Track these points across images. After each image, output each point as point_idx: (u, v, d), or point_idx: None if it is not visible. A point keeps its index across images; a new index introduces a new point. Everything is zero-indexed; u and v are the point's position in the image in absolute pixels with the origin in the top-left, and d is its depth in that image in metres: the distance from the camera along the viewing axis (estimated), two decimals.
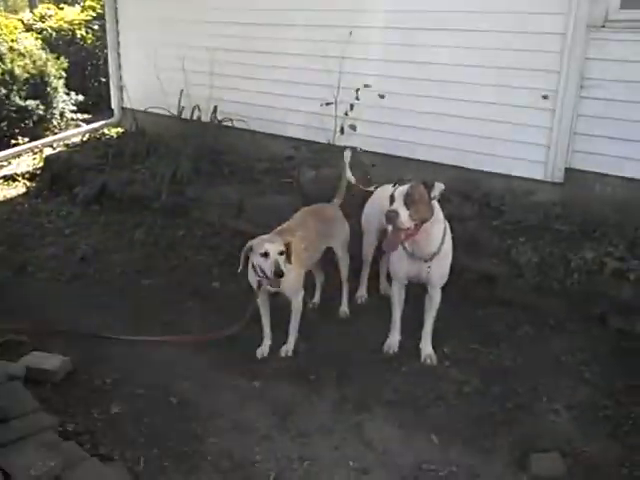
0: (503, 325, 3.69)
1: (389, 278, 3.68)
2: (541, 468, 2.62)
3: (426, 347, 3.43)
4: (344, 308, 3.91)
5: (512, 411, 2.99)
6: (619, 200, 4.22)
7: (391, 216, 2.99)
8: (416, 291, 3.50)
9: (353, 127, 4.85)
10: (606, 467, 2.64)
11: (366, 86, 4.74)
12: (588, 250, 3.79)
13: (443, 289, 3.41)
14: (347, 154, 4.05)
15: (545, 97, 4.35)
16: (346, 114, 4.86)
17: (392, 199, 3.06)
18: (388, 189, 3.86)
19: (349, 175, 4.04)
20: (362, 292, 4.08)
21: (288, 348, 3.49)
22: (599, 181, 4.32)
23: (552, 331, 3.62)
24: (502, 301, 3.85)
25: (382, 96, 4.82)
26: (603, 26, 4.11)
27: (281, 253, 3.15)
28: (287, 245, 3.25)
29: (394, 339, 3.52)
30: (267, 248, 3.13)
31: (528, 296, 3.78)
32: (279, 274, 3.09)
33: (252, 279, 3.44)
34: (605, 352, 3.40)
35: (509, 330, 3.65)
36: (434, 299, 3.41)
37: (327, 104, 4.94)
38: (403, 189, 3.04)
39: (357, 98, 4.79)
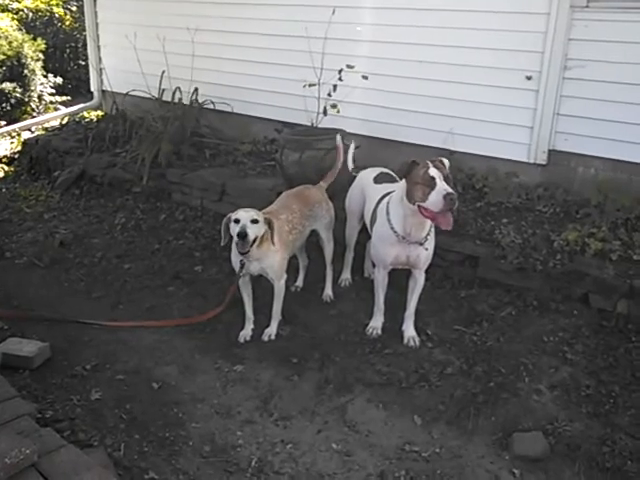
0: (486, 306, 3.68)
1: (373, 262, 3.64)
2: (523, 448, 2.62)
3: (409, 329, 3.42)
4: (328, 291, 3.88)
5: (495, 391, 3.00)
6: (602, 181, 4.22)
7: (453, 198, 2.88)
8: (397, 273, 3.48)
9: (336, 108, 4.78)
10: (588, 446, 2.65)
11: (349, 67, 4.67)
12: (571, 231, 3.80)
13: (426, 271, 3.40)
14: (352, 146, 4.04)
15: (529, 78, 4.33)
16: (329, 95, 4.80)
17: (432, 180, 2.93)
18: (371, 172, 3.87)
19: (349, 163, 4.01)
20: (346, 275, 4.05)
21: (271, 332, 3.47)
22: (582, 163, 4.32)
23: (535, 311, 3.61)
24: (485, 282, 3.84)
25: (365, 77, 4.76)
26: (587, 6, 4.09)
27: (254, 221, 3.17)
28: (269, 222, 3.24)
29: (377, 322, 3.50)
30: (239, 215, 3.19)
31: (511, 277, 3.77)
32: (242, 235, 3.12)
33: (235, 261, 3.41)
34: (587, 332, 3.41)
35: (492, 311, 3.64)
36: (419, 282, 3.39)
37: (310, 85, 4.87)
38: (435, 170, 2.96)
39: (340, 79, 4.72)
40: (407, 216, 3.13)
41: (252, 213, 3.21)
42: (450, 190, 2.91)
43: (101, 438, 2.69)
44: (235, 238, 3.19)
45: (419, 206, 3.01)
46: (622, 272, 3.51)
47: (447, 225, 3.00)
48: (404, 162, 3.08)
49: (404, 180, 3.10)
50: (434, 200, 2.92)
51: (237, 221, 3.18)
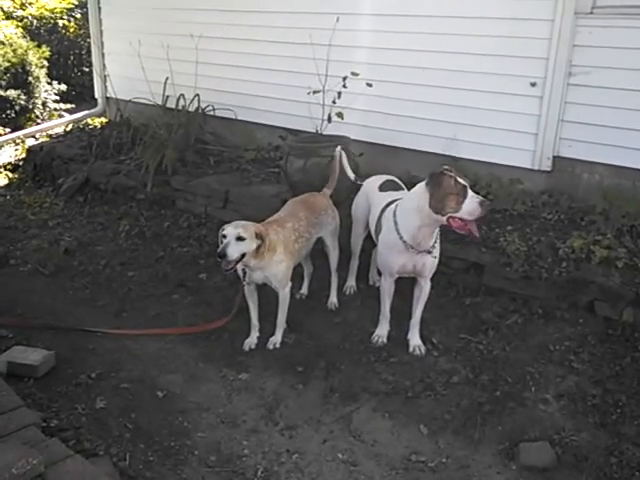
0: (491, 314, 3.66)
1: (379, 270, 3.63)
2: (530, 458, 2.61)
3: (414, 337, 3.41)
4: (333, 299, 3.87)
5: (501, 401, 2.98)
6: (607, 188, 4.21)
7: (488, 204, 2.91)
8: (402, 281, 3.47)
9: (341, 115, 4.79)
10: (595, 456, 2.63)
11: (354, 74, 4.68)
12: (576, 238, 3.78)
13: (431, 279, 3.39)
14: (338, 150, 3.98)
15: (533, 84, 4.33)
16: (334, 102, 4.80)
17: (464, 189, 2.92)
18: (377, 180, 3.86)
19: (349, 173, 3.99)
20: (351, 283, 4.04)
21: (276, 340, 3.46)
22: (587, 169, 4.30)
23: (540, 320, 3.60)
24: (490, 290, 3.82)
25: (370, 84, 4.76)
26: (591, 12, 4.08)
27: (239, 238, 3.10)
28: (260, 235, 3.18)
29: (383, 330, 3.48)
30: (225, 231, 3.14)
31: (516, 285, 3.75)
32: (220, 255, 3.07)
33: (239, 268, 3.39)
34: (593, 340, 3.39)
35: (497, 319, 3.62)
36: (424, 290, 3.38)
37: (314, 92, 4.88)
38: (462, 179, 2.96)
39: (344, 86, 4.73)
40: (423, 226, 3.09)
41: (239, 230, 3.12)
42: (481, 197, 2.92)
43: (106, 447, 2.68)
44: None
45: (450, 216, 2.97)
46: (628, 280, 3.49)
47: (477, 233, 3.02)
48: (433, 173, 3.01)
49: (425, 191, 3.01)
50: (470, 208, 2.92)
51: (224, 236, 3.12)
